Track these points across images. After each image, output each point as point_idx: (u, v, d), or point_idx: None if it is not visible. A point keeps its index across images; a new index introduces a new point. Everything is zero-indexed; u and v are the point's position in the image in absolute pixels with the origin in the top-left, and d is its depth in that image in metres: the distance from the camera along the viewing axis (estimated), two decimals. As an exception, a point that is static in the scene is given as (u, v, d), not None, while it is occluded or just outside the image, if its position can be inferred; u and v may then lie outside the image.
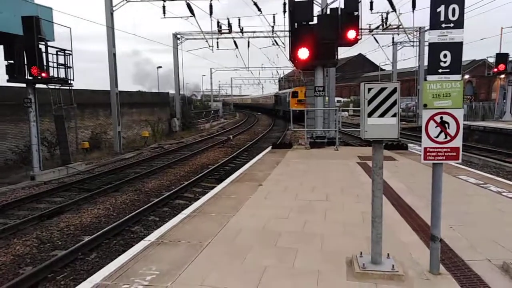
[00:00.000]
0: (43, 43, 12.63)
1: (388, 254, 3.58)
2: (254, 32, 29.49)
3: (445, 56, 3.13)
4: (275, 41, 29.28)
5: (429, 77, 3.19)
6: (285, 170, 8.77)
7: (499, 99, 26.50)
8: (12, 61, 12.64)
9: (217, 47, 29.88)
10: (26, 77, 12.60)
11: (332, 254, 3.91)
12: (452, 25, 3.09)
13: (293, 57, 12.11)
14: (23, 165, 14.81)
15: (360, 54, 74.73)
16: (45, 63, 12.65)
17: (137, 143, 23.34)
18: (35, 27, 12.04)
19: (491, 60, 27.40)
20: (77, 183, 11.87)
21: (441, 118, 3.21)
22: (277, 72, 67.19)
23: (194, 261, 3.81)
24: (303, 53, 11.53)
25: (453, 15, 3.07)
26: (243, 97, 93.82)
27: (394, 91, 3.25)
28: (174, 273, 3.54)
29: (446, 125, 3.22)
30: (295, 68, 24.46)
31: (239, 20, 25.88)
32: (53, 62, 13.18)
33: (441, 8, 3.09)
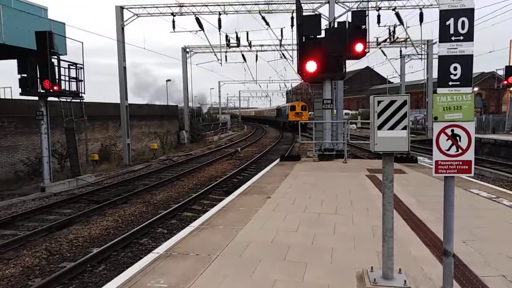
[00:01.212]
0: (56, 57, 12.92)
1: (399, 269, 3.51)
2: (262, 45, 29.84)
3: (455, 68, 3.12)
4: (283, 54, 29.56)
5: (439, 90, 3.17)
6: (294, 183, 8.73)
7: (509, 112, 26.23)
8: (25, 75, 12.94)
9: (226, 60, 30.22)
10: (39, 91, 12.87)
11: (342, 269, 3.85)
12: (462, 38, 3.09)
13: (301, 70, 12.18)
14: (34, 177, 15.01)
15: (367, 67, 74.83)
16: (57, 77, 12.92)
17: (146, 155, 23.51)
18: (48, 42, 12.34)
19: (500, 72, 27.24)
20: (87, 194, 11.96)
21: (452, 131, 3.18)
22: (285, 85, 67.87)
23: (203, 274, 3.78)
24: (311, 66, 11.59)
25: (463, 28, 3.07)
26: (249, 109, 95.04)
27: (404, 103, 3.24)
28: (182, 286, 3.51)
29: (458, 138, 3.18)
30: (303, 81, 24.60)
31: (247, 34, 26.21)
32: (65, 75, 13.45)
33: (450, 21, 3.09)
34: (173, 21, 21.85)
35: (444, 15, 3.10)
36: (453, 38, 3.09)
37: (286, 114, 43.43)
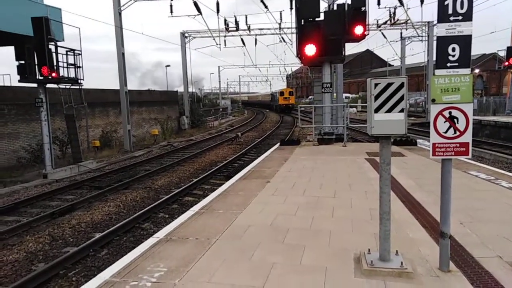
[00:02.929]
0: (53, 43, 12.79)
1: (396, 251, 3.55)
2: (261, 29, 29.46)
3: (453, 49, 3.08)
4: (282, 38, 29.28)
5: (437, 72, 3.14)
6: (293, 167, 8.76)
7: (510, 94, 26.04)
8: (23, 62, 12.84)
9: (225, 45, 29.92)
10: (37, 77, 12.78)
11: (339, 251, 3.89)
12: (460, 17, 3.04)
13: (300, 54, 12.05)
14: (35, 164, 15.08)
15: (367, 50, 74.04)
16: (55, 63, 12.82)
17: (147, 141, 23.55)
18: (45, 28, 12.19)
19: (502, 54, 26.93)
20: (88, 181, 12.03)
21: (450, 113, 3.17)
22: (285, 69, 67.70)
23: (202, 258, 3.84)
24: (310, 50, 11.46)
25: (462, 7, 3.02)
26: (249, 94, 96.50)
27: (401, 86, 3.21)
28: (182, 270, 3.57)
29: (455, 120, 3.17)
30: (302, 64, 24.44)
31: (246, 17, 26.11)
32: (63, 62, 13.35)
33: (449, 1, 3.04)
34: (171, 6, 21.56)
35: (443, -6, 3.05)
36: (451, 18, 3.05)
37: (277, 99, 52.49)
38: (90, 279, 3.66)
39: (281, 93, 52.11)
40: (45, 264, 5.91)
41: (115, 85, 21.02)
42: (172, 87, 39.24)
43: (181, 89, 33.06)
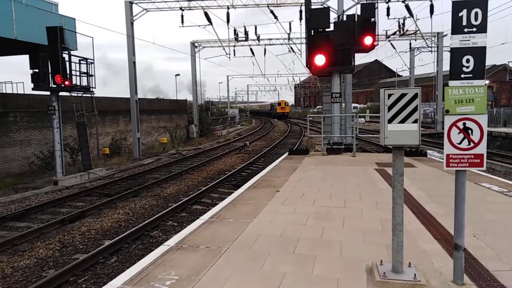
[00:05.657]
0: (67, 52, 13.03)
1: (409, 263, 3.51)
2: (270, 39, 29.72)
3: (467, 61, 3.08)
4: (291, 48, 29.39)
5: (451, 83, 3.14)
6: (302, 176, 8.73)
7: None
8: (37, 70, 13.07)
9: (234, 54, 30.17)
10: (50, 85, 13.00)
11: (351, 262, 3.86)
12: (475, 29, 3.05)
13: (309, 64, 12.11)
14: (46, 170, 15.26)
15: (376, 61, 74.05)
16: (68, 72, 13.04)
17: (156, 149, 23.71)
18: (59, 37, 12.44)
19: (513, 64, 26.65)
20: (98, 188, 12.12)
21: (464, 124, 3.15)
22: (293, 78, 69.12)
23: (213, 266, 3.83)
24: (320, 60, 11.52)
25: (476, 19, 3.03)
26: (253, 104, 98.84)
27: (414, 96, 3.21)
28: (193, 278, 3.57)
29: (470, 131, 3.16)
30: (311, 74, 24.49)
31: (255, 27, 26.10)
32: (75, 70, 13.58)
33: (463, 13, 3.05)
34: (182, 16, 21.87)
35: (457, 6, 3.06)
36: (465, 29, 3.06)
37: (276, 108, 66.80)
38: (100, 286, 3.68)
39: (279, 103, 67.51)
40: (55, 270, 5.94)
41: (102, 92, 21.28)
42: (167, 95, 39.67)
43: (179, 96, 33.43)
